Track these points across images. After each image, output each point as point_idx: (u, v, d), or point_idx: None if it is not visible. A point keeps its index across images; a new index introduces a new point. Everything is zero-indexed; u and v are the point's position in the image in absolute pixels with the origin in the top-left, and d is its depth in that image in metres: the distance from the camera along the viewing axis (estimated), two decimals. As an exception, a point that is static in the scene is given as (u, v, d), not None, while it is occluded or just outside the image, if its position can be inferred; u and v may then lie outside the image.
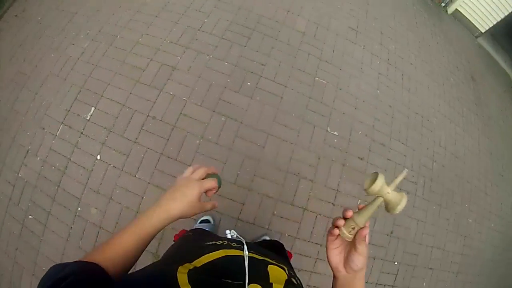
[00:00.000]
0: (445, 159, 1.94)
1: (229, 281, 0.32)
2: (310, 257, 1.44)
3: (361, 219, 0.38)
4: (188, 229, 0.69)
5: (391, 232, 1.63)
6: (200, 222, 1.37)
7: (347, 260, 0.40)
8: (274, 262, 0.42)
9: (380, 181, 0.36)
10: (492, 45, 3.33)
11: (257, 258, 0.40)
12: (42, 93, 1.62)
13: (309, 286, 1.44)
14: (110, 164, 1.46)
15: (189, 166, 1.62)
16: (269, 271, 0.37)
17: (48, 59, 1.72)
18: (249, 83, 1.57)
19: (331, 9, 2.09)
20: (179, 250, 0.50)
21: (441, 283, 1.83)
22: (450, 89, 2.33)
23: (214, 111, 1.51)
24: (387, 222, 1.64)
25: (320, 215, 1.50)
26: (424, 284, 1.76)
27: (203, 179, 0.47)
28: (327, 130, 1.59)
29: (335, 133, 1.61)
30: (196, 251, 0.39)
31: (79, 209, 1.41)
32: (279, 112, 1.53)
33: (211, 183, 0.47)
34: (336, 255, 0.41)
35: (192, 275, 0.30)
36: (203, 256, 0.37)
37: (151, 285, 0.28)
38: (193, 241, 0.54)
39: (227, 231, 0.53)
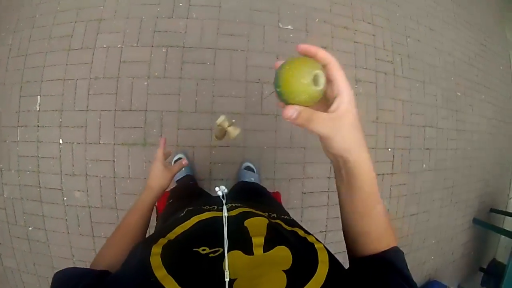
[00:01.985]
0: (420, 33, 1.76)
1: (206, 248, 0.27)
2: (296, 163, 1.35)
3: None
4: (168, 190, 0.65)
5: (377, 118, 1.52)
6: (174, 163, 1.30)
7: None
8: (252, 212, 0.36)
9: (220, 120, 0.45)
10: None
11: (233, 215, 0.35)
12: None
13: (304, 193, 1.37)
14: (73, 143, 1.39)
15: (144, 111, 1.48)
16: (246, 225, 0.33)
17: None
18: (181, 4, 1.37)
19: None
20: (158, 226, 0.55)
21: (441, 162, 1.77)
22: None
23: (152, 46, 1.34)
24: (370, 108, 1.52)
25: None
26: (424, 165, 1.70)
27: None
28: (279, 26, 1.41)
29: (289, 27, 1.43)
30: (172, 222, 0.36)
31: (65, 198, 1.38)
32: (221, 23, 1.34)
33: (158, 151, 0.56)
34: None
35: (166, 251, 0.27)
36: (177, 227, 0.33)
37: (132, 279, 0.25)
38: (170, 212, 0.55)
39: (217, 188, 0.46)
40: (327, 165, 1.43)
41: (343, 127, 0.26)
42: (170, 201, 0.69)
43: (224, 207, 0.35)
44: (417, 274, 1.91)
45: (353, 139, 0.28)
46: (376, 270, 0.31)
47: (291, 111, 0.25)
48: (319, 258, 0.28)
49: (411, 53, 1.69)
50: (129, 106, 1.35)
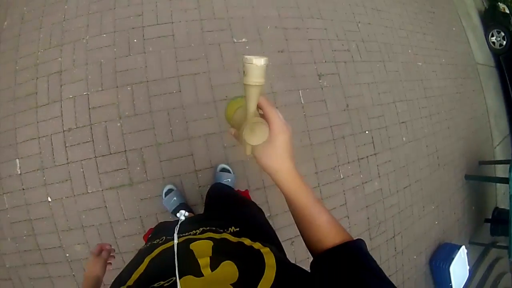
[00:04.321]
0: (368, 16, 1.84)
1: (161, 282, 0.28)
2: None
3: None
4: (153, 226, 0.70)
5: (347, 106, 1.57)
6: (165, 195, 1.30)
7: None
8: (198, 236, 0.38)
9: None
10: None
11: (180, 242, 0.37)
12: None
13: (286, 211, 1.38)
14: (62, 198, 1.36)
15: (124, 152, 1.46)
16: (192, 249, 0.34)
17: None
18: (135, 40, 1.39)
19: None
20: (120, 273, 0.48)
21: (419, 131, 1.83)
22: None
23: (117, 87, 1.35)
24: (338, 99, 1.57)
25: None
26: (404, 138, 1.75)
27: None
28: (233, 42, 1.45)
29: (243, 40, 1.47)
30: (129, 269, 0.36)
31: (67, 255, 1.35)
32: (177, 50, 1.37)
33: (96, 247, 0.63)
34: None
35: None
36: (134, 273, 0.34)
37: None
38: (138, 253, 0.50)
39: (178, 215, 0.51)
40: (311, 162, 1.46)
41: (267, 149, 0.32)
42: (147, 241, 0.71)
43: (175, 236, 0.37)
44: (426, 242, 1.95)
45: (273, 162, 0.33)
46: (335, 264, 0.30)
47: (230, 130, 0.36)
48: (266, 262, 0.28)
49: (365, 37, 1.75)
50: (108, 150, 1.34)
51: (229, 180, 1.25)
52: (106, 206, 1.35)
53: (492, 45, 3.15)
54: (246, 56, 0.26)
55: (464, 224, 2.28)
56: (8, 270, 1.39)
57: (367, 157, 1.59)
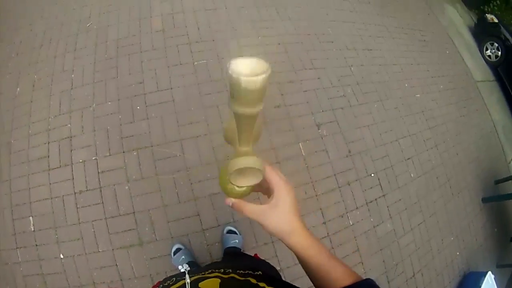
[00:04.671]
0: (360, 58, 1.88)
1: None
2: None
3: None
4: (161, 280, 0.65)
5: (349, 152, 1.56)
6: (174, 254, 1.31)
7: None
8: (206, 275, 0.38)
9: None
10: None
11: (189, 283, 0.37)
12: None
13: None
14: (74, 255, 1.39)
15: (133, 213, 1.47)
16: (200, 287, 0.34)
17: None
18: (138, 107, 1.46)
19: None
20: None
21: (426, 164, 1.78)
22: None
23: (123, 152, 1.41)
24: (339, 146, 1.57)
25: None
26: (412, 175, 1.71)
27: None
28: None
29: None
30: None
31: None
32: (178, 115, 1.43)
33: None
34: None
35: None
36: None
37: None
38: None
39: (180, 267, 0.49)
40: (318, 212, 1.44)
41: (276, 214, 0.32)
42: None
43: (187, 275, 0.38)
44: (449, 275, 1.83)
45: (283, 226, 0.33)
46: None
47: (227, 202, 0.34)
48: None
49: (359, 79, 1.78)
50: (117, 212, 1.38)
51: (237, 241, 1.25)
52: (116, 265, 1.36)
53: (488, 59, 3.12)
54: (232, 62, 0.16)
55: (487, 249, 2.15)
56: None
57: (375, 199, 1.55)
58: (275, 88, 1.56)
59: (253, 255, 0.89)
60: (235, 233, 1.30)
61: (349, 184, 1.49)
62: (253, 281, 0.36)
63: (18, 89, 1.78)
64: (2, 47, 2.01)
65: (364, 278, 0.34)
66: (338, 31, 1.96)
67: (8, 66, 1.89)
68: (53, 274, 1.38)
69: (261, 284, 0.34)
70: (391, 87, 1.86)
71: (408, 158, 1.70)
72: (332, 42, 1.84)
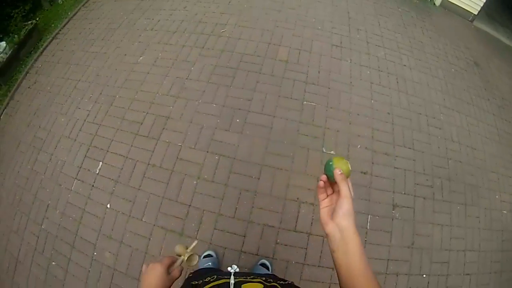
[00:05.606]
0: (461, 154, 1.84)
1: None
2: (322, 282, 1.38)
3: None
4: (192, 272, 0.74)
5: (412, 244, 1.52)
6: (204, 257, 1.41)
7: (334, 209, 0.42)
8: (249, 280, 0.44)
9: (178, 248, 0.57)
10: (489, 25, 3.24)
11: (233, 283, 0.43)
12: (56, 154, 1.86)
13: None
14: (119, 211, 1.60)
15: (188, 206, 1.63)
16: None
17: (59, 123, 1.99)
18: (238, 120, 1.66)
19: (312, 31, 2.22)
20: None
21: (483, 287, 1.61)
22: (454, 80, 2.29)
23: (207, 152, 1.60)
24: (405, 234, 1.54)
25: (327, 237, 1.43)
26: (464, 292, 1.55)
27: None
28: (322, 151, 1.61)
29: (332, 152, 1.62)
30: None
31: (95, 253, 1.53)
32: (270, 142, 1.58)
33: (168, 259, 0.54)
34: (327, 212, 0.43)
35: None
36: None
37: None
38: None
39: (229, 268, 0.58)
40: None
41: (339, 233, 0.40)
42: (190, 275, 0.70)
43: (232, 276, 0.43)
44: None
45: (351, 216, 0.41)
46: None
47: (336, 171, 0.43)
48: None
49: (452, 175, 1.74)
50: (176, 198, 1.56)
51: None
52: (150, 239, 1.51)
53: None
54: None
55: None
56: (40, 230, 1.63)
57: (419, 305, 1.45)
58: (369, 154, 1.64)
59: None
60: (267, 268, 1.37)
61: (397, 275, 1.44)
62: None
63: (141, 58, 2.16)
64: (141, 18, 2.48)
65: None
66: (449, 119, 1.98)
67: (140, 36, 2.33)
68: (92, 215, 1.60)
69: None
70: (481, 194, 1.78)
71: (467, 274, 1.57)
72: (440, 129, 1.87)
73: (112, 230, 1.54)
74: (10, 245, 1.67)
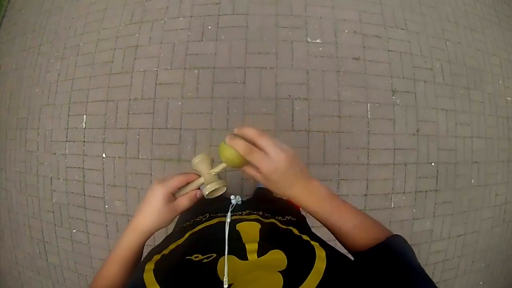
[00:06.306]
0: (459, 35, 1.69)
1: (198, 255, 0.29)
2: (330, 180, 1.35)
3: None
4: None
5: (417, 131, 1.48)
6: None
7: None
8: (244, 217, 0.39)
9: (198, 159, 0.39)
10: None
11: (226, 222, 0.37)
12: (42, 126, 1.78)
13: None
14: (115, 157, 1.57)
15: (179, 129, 1.58)
16: (238, 230, 0.35)
17: (35, 95, 1.86)
18: (209, 27, 1.49)
19: None
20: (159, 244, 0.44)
21: (491, 176, 1.61)
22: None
23: (185, 68, 1.48)
24: (409, 121, 1.49)
25: (328, 132, 1.40)
26: (473, 181, 1.57)
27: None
28: (307, 41, 1.46)
29: (317, 41, 1.47)
30: (166, 240, 0.37)
31: (106, 206, 1.56)
32: (249, 42, 1.44)
33: (176, 179, 0.38)
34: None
35: (159, 265, 0.29)
36: (171, 244, 0.34)
37: None
38: (179, 229, 0.46)
39: (232, 197, 0.50)
40: (363, 182, 1.41)
41: (271, 181, 0.35)
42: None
43: (229, 214, 0.38)
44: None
45: (286, 189, 0.36)
46: (378, 259, 0.32)
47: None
48: (316, 254, 0.28)
49: (452, 57, 1.61)
50: (165, 125, 1.50)
51: None
52: (151, 174, 1.51)
53: None
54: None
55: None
56: (52, 205, 1.68)
57: (426, 191, 1.47)
58: (359, 38, 1.49)
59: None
60: None
61: (405, 165, 1.42)
62: (295, 231, 0.36)
63: (95, -4, 1.88)
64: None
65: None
66: (443, -2, 1.76)
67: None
68: (92, 170, 1.60)
69: (305, 237, 0.33)
70: (483, 78, 1.67)
71: (475, 162, 1.55)
72: (433, 8, 1.67)
73: (115, 177, 1.54)
74: (33, 231, 1.72)
